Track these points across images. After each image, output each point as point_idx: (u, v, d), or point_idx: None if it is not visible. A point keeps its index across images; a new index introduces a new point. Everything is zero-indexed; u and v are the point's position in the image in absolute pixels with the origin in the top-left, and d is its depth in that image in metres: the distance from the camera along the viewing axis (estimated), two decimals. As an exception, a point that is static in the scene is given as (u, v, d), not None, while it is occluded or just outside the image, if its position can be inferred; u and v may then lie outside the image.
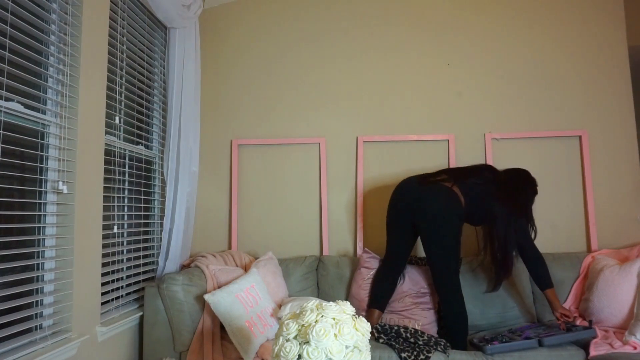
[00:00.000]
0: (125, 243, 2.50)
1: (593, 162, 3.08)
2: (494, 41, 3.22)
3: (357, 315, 1.45)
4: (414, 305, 2.58)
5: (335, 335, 1.34)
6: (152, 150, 2.86)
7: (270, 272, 2.73)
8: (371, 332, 2.44)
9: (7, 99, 1.67)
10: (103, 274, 2.20)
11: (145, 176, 2.77)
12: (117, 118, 2.39)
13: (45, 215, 1.88)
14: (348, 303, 1.47)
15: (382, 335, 2.39)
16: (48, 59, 1.88)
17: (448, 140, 3.16)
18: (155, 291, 2.39)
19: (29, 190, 1.82)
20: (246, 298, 2.35)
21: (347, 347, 1.36)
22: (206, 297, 2.24)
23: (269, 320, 2.37)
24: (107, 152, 2.26)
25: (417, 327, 2.51)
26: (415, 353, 2.22)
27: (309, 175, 3.22)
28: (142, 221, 2.69)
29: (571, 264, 2.79)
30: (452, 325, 2.41)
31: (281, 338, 1.40)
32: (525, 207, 2.51)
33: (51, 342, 1.78)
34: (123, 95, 2.45)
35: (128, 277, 2.49)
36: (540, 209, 3.08)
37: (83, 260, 1.98)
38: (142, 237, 2.67)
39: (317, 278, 2.93)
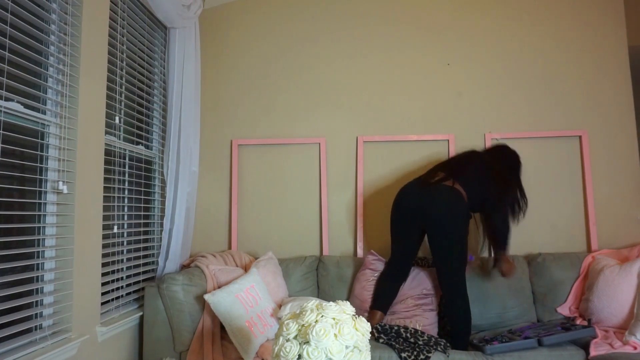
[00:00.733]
0: (125, 243, 2.50)
1: (593, 162, 3.08)
2: (494, 41, 3.22)
3: (357, 315, 1.45)
4: (415, 306, 2.58)
5: (335, 335, 1.34)
6: (152, 150, 2.86)
7: (270, 272, 2.73)
8: (371, 332, 2.44)
9: (7, 99, 1.67)
10: (103, 274, 2.20)
11: (145, 176, 2.77)
12: (117, 118, 2.39)
13: (45, 215, 1.88)
14: (348, 303, 1.47)
15: (382, 335, 2.39)
16: (48, 59, 1.88)
17: (448, 140, 3.16)
18: (155, 291, 2.39)
19: (29, 190, 1.82)
20: (246, 298, 2.35)
21: (347, 347, 1.36)
22: (206, 297, 2.24)
23: (269, 320, 2.37)
24: (107, 152, 2.26)
25: (417, 328, 2.51)
26: (415, 353, 2.23)
27: (309, 175, 3.22)
28: (142, 221, 2.69)
29: (571, 264, 2.79)
30: (457, 325, 2.41)
31: (281, 338, 1.40)
32: (518, 181, 2.67)
33: (51, 342, 1.78)
34: (123, 95, 2.45)
35: (128, 277, 2.49)
36: (540, 209, 3.08)
37: (83, 260, 1.98)
38: (142, 237, 2.67)
39: (317, 278, 2.93)
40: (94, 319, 2.07)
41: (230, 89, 3.31)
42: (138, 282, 2.59)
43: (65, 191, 1.86)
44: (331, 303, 1.44)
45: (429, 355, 2.22)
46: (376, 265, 2.76)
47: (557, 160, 3.11)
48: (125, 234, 2.50)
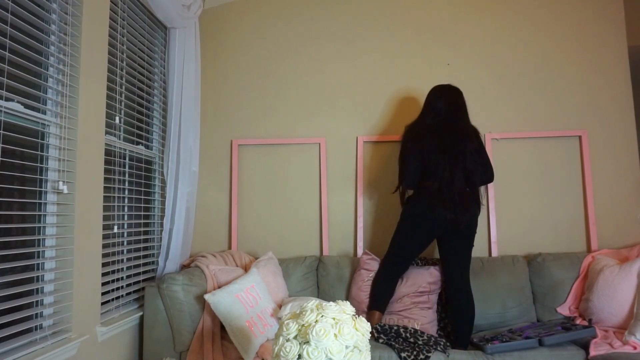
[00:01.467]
0: (125, 243, 2.50)
1: (593, 162, 3.08)
2: (494, 41, 3.22)
3: (357, 315, 1.45)
4: (412, 304, 2.58)
5: (335, 335, 1.34)
6: (152, 150, 2.86)
7: (271, 272, 2.73)
8: (371, 332, 2.44)
9: (7, 99, 1.67)
10: (103, 274, 2.20)
11: (145, 176, 2.77)
12: (117, 118, 2.39)
13: (45, 215, 1.88)
14: (348, 303, 1.47)
15: (381, 336, 2.39)
16: (48, 59, 1.88)
17: (448, 140, 3.15)
18: (156, 291, 2.39)
19: (29, 190, 1.82)
20: (246, 298, 2.35)
21: (347, 347, 1.36)
22: (206, 297, 2.25)
23: (269, 320, 2.37)
24: (107, 152, 2.26)
25: (416, 327, 2.51)
26: (415, 353, 2.23)
27: (309, 175, 3.22)
28: (142, 221, 2.69)
29: (571, 263, 2.79)
30: (469, 321, 2.46)
31: (281, 338, 1.40)
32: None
33: (51, 342, 1.78)
34: (123, 95, 2.45)
35: (128, 277, 2.49)
36: (541, 209, 3.08)
37: (83, 260, 1.98)
38: (142, 237, 2.67)
39: (317, 278, 2.93)
40: (94, 319, 2.07)
41: (231, 89, 3.31)
42: (138, 282, 2.59)
43: (65, 191, 1.86)
44: (331, 303, 1.44)
45: (429, 355, 2.22)
46: (371, 265, 2.75)
47: (557, 160, 3.11)
48: (125, 234, 2.50)
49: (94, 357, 2.06)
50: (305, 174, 3.22)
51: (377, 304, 2.57)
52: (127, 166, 2.55)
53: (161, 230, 2.76)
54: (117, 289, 2.35)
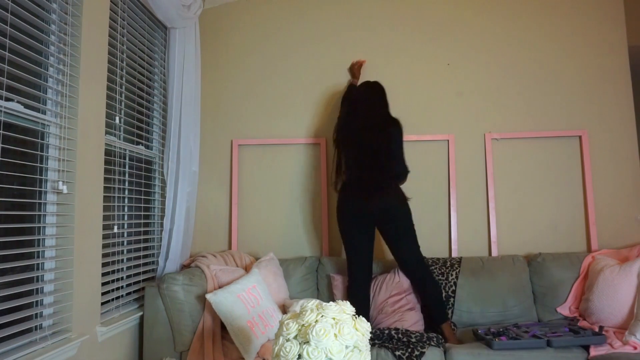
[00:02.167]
0: (125, 243, 2.50)
1: (593, 162, 3.08)
2: (494, 41, 3.22)
3: (356, 315, 1.45)
4: (394, 311, 2.58)
5: (335, 335, 1.34)
6: (152, 150, 2.86)
7: (272, 273, 2.73)
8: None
9: (7, 99, 1.67)
10: (103, 274, 2.20)
11: (145, 176, 2.77)
12: (117, 118, 2.39)
13: (45, 215, 1.88)
14: (348, 303, 1.47)
15: (375, 340, 2.38)
16: (48, 59, 1.88)
17: (448, 141, 3.16)
18: (156, 291, 2.38)
19: (29, 190, 1.82)
20: (248, 298, 2.35)
21: (347, 347, 1.36)
22: (208, 296, 2.25)
23: (270, 321, 2.37)
24: (107, 152, 2.26)
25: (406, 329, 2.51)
26: (409, 350, 2.22)
27: (309, 175, 3.21)
28: (142, 221, 2.69)
29: (571, 264, 2.79)
30: (438, 295, 2.55)
31: (281, 338, 1.40)
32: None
33: (51, 342, 1.78)
34: (123, 95, 2.45)
35: (128, 277, 2.49)
36: (541, 209, 3.08)
37: (83, 260, 1.98)
38: (142, 237, 2.67)
39: (317, 279, 2.92)
40: (94, 319, 2.07)
41: (231, 89, 3.30)
42: (138, 282, 2.59)
43: (65, 191, 1.86)
44: (331, 303, 1.44)
45: (423, 350, 2.22)
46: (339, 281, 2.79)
47: (557, 160, 3.11)
48: (125, 234, 2.50)
49: (94, 357, 2.06)
50: (305, 174, 3.22)
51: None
52: (127, 166, 2.55)
53: (161, 230, 2.76)
54: (117, 289, 2.35)
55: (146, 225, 2.78)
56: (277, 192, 3.22)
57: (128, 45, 2.51)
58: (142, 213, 2.71)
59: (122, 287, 2.40)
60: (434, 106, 3.20)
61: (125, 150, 2.52)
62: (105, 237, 2.27)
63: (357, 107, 2.73)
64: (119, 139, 2.43)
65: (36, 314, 1.81)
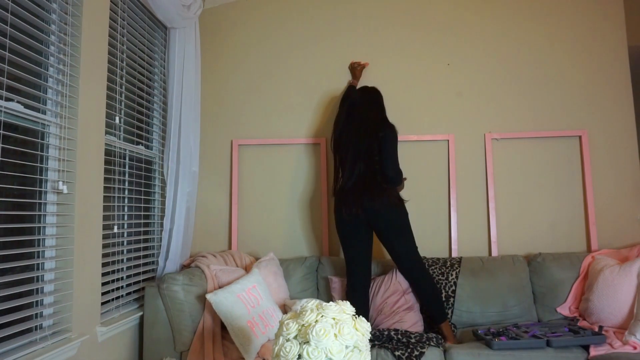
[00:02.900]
0: (125, 243, 2.50)
1: (593, 162, 3.08)
2: (494, 41, 3.22)
3: (356, 315, 1.45)
4: (393, 312, 2.58)
5: (335, 335, 1.34)
6: (152, 150, 2.86)
7: (272, 273, 2.73)
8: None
9: (7, 99, 1.67)
10: (103, 274, 2.20)
11: (145, 176, 2.77)
12: (117, 118, 2.39)
13: (45, 215, 1.88)
14: (348, 303, 1.47)
15: (375, 342, 2.38)
16: (48, 59, 1.88)
17: (448, 141, 3.16)
18: (156, 291, 2.38)
19: (29, 190, 1.82)
20: (248, 298, 2.35)
21: (347, 347, 1.36)
22: (208, 296, 2.25)
23: (270, 321, 2.37)
24: (107, 152, 2.26)
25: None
26: (409, 350, 2.22)
27: (309, 175, 3.22)
28: (142, 221, 2.69)
29: (571, 264, 2.79)
30: (437, 294, 2.56)
31: (281, 338, 1.40)
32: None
33: (51, 342, 1.78)
34: (123, 95, 2.45)
35: (128, 277, 2.49)
36: (541, 209, 3.08)
37: (83, 260, 1.98)
38: (142, 237, 2.67)
39: (317, 279, 2.93)
40: (94, 319, 2.07)
41: (231, 89, 3.30)
42: (138, 282, 2.59)
43: (65, 191, 1.86)
44: (331, 303, 1.44)
45: (423, 350, 2.22)
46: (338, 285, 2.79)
47: (557, 160, 3.11)
48: (125, 234, 2.50)
49: (94, 357, 2.06)
50: (305, 174, 3.22)
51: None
52: (127, 166, 2.55)
53: (161, 230, 2.76)
54: (117, 289, 2.35)
55: (146, 225, 2.78)
56: (277, 192, 3.22)
57: (128, 45, 2.51)
58: (142, 213, 2.71)
59: (122, 287, 2.40)
60: (434, 106, 3.20)
61: (125, 150, 2.52)
62: (105, 237, 2.27)
63: (353, 112, 2.74)
64: (119, 139, 2.43)
65: (36, 314, 1.81)
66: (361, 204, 2.50)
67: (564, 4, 3.20)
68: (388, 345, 2.30)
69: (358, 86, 3.05)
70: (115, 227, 2.37)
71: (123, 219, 2.50)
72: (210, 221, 3.22)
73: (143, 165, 2.73)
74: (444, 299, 2.70)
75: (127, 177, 2.54)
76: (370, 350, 2.27)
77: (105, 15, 2.17)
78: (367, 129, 2.61)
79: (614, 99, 3.11)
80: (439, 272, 2.78)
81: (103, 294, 2.22)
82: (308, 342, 1.34)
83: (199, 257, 2.73)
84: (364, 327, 1.42)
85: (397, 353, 2.22)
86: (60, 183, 1.85)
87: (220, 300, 2.25)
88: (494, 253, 3.03)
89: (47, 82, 1.87)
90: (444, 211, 3.12)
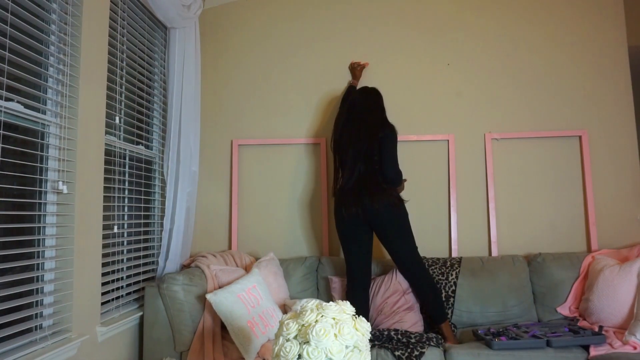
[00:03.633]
0: (125, 243, 2.50)
1: (593, 162, 3.08)
2: (494, 41, 3.22)
3: (357, 315, 1.45)
4: (393, 312, 2.58)
5: (335, 335, 1.34)
6: (152, 150, 2.86)
7: (272, 273, 2.73)
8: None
9: (7, 99, 1.67)
10: (103, 274, 2.20)
11: (145, 176, 2.77)
12: (117, 118, 2.39)
13: (45, 215, 1.88)
14: (348, 303, 1.47)
15: (375, 342, 2.38)
16: (48, 59, 1.88)
17: (448, 141, 3.16)
18: (156, 291, 2.38)
19: (29, 190, 1.82)
20: (248, 298, 2.35)
21: (347, 347, 1.36)
22: (208, 296, 2.25)
23: (270, 321, 2.37)
24: (107, 152, 2.26)
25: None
26: (409, 350, 2.22)
27: (309, 175, 3.22)
28: (142, 221, 2.69)
29: (571, 264, 2.79)
30: (437, 295, 2.55)
31: (281, 338, 1.40)
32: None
33: (51, 342, 1.78)
34: (123, 95, 2.45)
35: (128, 277, 2.49)
36: (541, 209, 3.08)
37: (83, 260, 1.98)
38: (142, 237, 2.66)
39: (317, 279, 2.93)
40: (94, 319, 2.07)
41: (231, 89, 3.30)
42: (138, 282, 2.59)
43: (65, 191, 1.86)
44: (331, 303, 1.44)
45: (423, 350, 2.22)
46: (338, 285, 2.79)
47: (557, 160, 3.11)
48: (125, 234, 2.50)
49: (94, 357, 2.06)
50: (305, 174, 3.22)
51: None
52: (127, 166, 2.55)
53: (161, 230, 2.76)
54: (117, 289, 2.35)
55: (146, 225, 2.78)
56: (277, 192, 3.22)
57: (128, 45, 2.51)
58: (142, 213, 2.71)
59: (122, 287, 2.40)
60: (434, 106, 3.20)
61: (125, 150, 2.52)
62: (105, 237, 2.27)
63: (353, 112, 2.74)
64: (119, 139, 2.43)
65: (36, 314, 1.81)
66: (361, 204, 2.50)
67: (564, 4, 3.20)
68: (388, 345, 2.30)
69: (358, 86, 3.05)
70: (115, 227, 2.37)
71: (123, 219, 2.50)
72: (210, 221, 3.22)
73: (143, 165, 2.73)
74: (443, 299, 2.70)
75: (127, 177, 2.54)
76: (370, 350, 2.27)
77: (105, 15, 2.17)
78: (367, 130, 2.61)
79: (614, 99, 3.11)
80: (439, 272, 2.78)
81: (103, 294, 2.22)
82: (308, 342, 1.34)
83: (199, 257, 2.73)
84: (364, 327, 1.42)
85: (397, 353, 2.22)
86: (60, 183, 1.85)
87: (220, 300, 2.25)
88: (494, 253, 3.03)
89: (47, 82, 1.87)
90: (444, 211, 3.12)
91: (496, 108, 3.17)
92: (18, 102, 1.71)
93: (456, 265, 2.81)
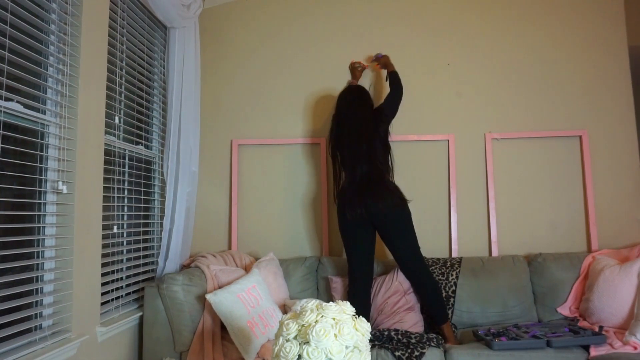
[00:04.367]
0: (125, 243, 2.50)
1: (593, 162, 3.08)
2: (494, 41, 3.22)
3: (357, 316, 1.45)
4: (393, 312, 2.57)
5: (335, 335, 1.34)
6: (152, 150, 2.86)
7: (272, 273, 2.73)
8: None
9: (7, 99, 1.67)
10: (103, 274, 2.20)
11: (145, 176, 2.77)
12: (117, 118, 2.39)
13: (45, 215, 1.88)
14: (348, 303, 1.47)
15: (375, 342, 2.38)
16: (48, 59, 1.88)
17: (448, 141, 3.15)
18: (155, 291, 2.38)
19: (28, 190, 1.81)
20: (248, 298, 2.34)
21: (347, 347, 1.35)
22: (208, 296, 2.24)
23: (270, 321, 2.37)
24: (107, 152, 2.26)
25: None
26: (409, 351, 2.22)
27: (309, 175, 3.21)
28: (142, 221, 2.69)
29: (571, 264, 2.79)
30: (438, 295, 2.56)
31: (281, 338, 1.40)
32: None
33: (51, 342, 1.78)
34: (123, 95, 2.45)
35: (128, 277, 2.49)
36: (541, 209, 3.08)
37: (83, 260, 1.98)
38: (142, 237, 2.66)
39: (317, 279, 2.92)
40: (93, 319, 2.07)
41: (231, 89, 3.30)
42: (138, 282, 2.59)
43: (65, 191, 1.86)
44: (331, 303, 1.44)
45: (423, 351, 2.22)
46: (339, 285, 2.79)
47: (557, 160, 3.11)
48: (125, 234, 2.50)
49: (94, 357, 2.06)
50: (305, 174, 3.21)
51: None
52: (126, 166, 2.55)
53: (161, 230, 2.76)
54: (117, 289, 2.35)
55: (146, 225, 2.78)
56: (277, 192, 3.22)
57: (128, 45, 2.51)
58: (142, 213, 2.71)
59: (121, 287, 2.40)
60: (434, 106, 3.20)
61: (124, 150, 2.52)
62: (105, 237, 2.27)
63: (341, 117, 2.76)
64: (119, 139, 2.43)
65: (36, 314, 1.81)
66: (365, 205, 2.50)
67: (564, 4, 3.20)
68: (388, 346, 2.30)
69: None
70: (115, 227, 2.37)
71: (123, 219, 2.50)
72: (210, 221, 3.22)
73: (143, 165, 2.73)
74: (444, 299, 2.70)
75: (126, 177, 2.54)
76: (371, 351, 2.27)
77: (105, 15, 2.17)
78: (360, 130, 2.62)
79: (614, 99, 3.11)
80: (439, 272, 2.78)
81: (103, 294, 2.22)
82: (308, 342, 1.34)
83: (198, 257, 2.73)
84: (364, 327, 1.42)
85: (397, 353, 2.22)
86: (60, 183, 1.85)
87: (220, 300, 2.24)
88: (494, 253, 3.03)
89: (46, 82, 1.87)
90: (444, 211, 3.12)
91: (496, 108, 3.17)
92: (18, 102, 1.71)
93: (456, 266, 2.80)
